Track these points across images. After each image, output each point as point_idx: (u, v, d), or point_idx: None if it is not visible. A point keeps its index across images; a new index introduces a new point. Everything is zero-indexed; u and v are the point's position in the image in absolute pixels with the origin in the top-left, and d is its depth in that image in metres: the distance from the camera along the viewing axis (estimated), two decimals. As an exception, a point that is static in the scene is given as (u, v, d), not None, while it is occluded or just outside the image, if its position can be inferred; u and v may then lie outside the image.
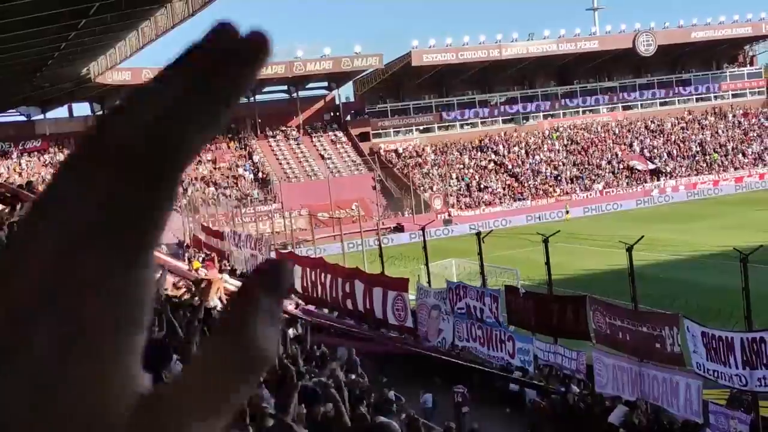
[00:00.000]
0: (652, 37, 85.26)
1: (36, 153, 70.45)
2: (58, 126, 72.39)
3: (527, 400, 23.11)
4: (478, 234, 30.15)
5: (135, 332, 0.44)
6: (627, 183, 78.36)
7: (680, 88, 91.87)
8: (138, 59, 56.61)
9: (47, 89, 53.57)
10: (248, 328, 0.46)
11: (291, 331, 20.87)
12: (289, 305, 30.90)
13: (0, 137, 69.19)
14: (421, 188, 73.78)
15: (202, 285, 19.92)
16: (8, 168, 66.66)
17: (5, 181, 48.07)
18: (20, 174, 63.90)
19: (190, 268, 32.80)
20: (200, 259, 37.61)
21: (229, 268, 39.95)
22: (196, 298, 15.57)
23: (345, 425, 6.83)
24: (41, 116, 71.84)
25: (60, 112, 73.20)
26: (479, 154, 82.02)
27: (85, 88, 60.17)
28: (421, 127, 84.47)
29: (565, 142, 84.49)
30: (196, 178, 72.23)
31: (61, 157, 70.43)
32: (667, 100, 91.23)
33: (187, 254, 43.96)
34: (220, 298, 21.30)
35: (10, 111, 69.00)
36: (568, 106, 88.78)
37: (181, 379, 0.45)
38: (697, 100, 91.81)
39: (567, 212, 68.51)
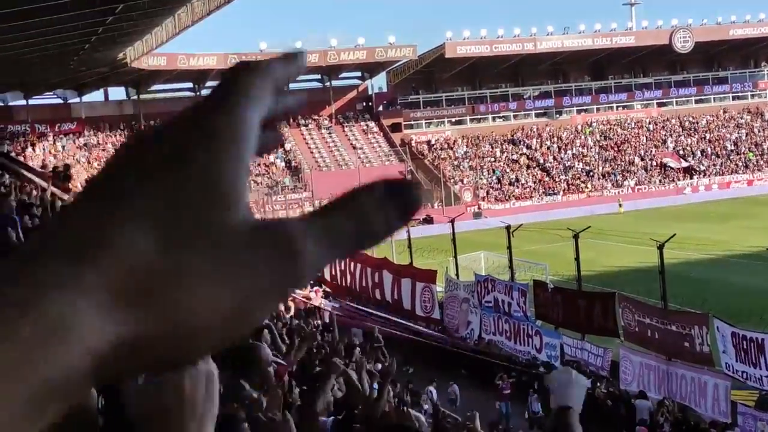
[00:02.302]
0: (690, 34, 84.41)
1: (71, 135, 71.13)
2: (93, 109, 73.09)
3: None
4: (508, 228, 30.11)
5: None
6: (659, 180, 77.74)
7: (716, 85, 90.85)
8: (174, 45, 57.08)
9: (84, 73, 54.06)
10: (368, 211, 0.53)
11: (317, 323, 21.01)
12: (316, 295, 31.05)
13: (36, 119, 69.92)
14: (452, 180, 73.65)
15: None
16: (44, 150, 67.37)
17: (42, 162, 48.59)
18: (55, 156, 64.60)
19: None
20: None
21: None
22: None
23: (375, 410, 6.88)
24: (77, 99, 72.47)
25: (96, 95, 73.93)
26: (511, 147, 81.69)
27: (120, 73, 60.66)
28: (453, 119, 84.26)
29: (598, 138, 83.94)
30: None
31: (95, 139, 71.20)
32: (702, 97, 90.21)
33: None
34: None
35: (46, 93, 69.74)
36: (601, 102, 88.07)
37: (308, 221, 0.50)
38: (733, 98, 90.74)
39: (620, 205, 68.53)
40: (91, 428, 2.80)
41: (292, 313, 20.42)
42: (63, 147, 69.34)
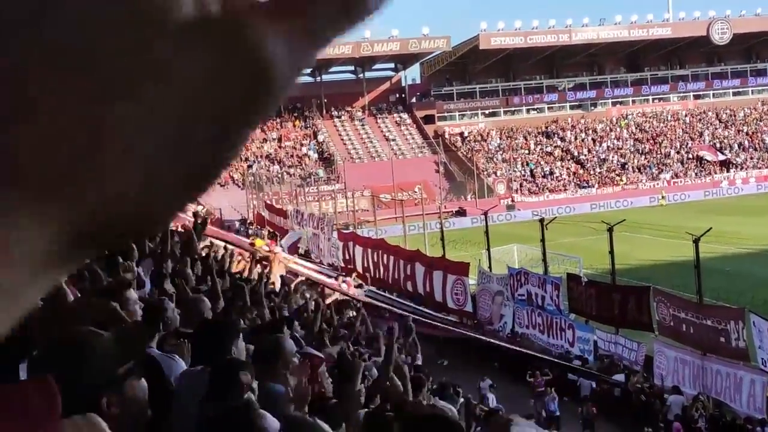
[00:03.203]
0: (728, 25, 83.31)
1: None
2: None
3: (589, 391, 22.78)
4: (542, 220, 29.95)
5: None
6: (695, 174, 76.93)
7: (755, 77, 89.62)
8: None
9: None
10: None
11: (350, 313, 20.95)
12: (348, 287, 31.08)
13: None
14: (485, 173, 73.40)
15: (265, 260, 20.18)
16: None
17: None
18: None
19: (252, 244, 33.12)
20: (264, 236, 37.93)
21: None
22: (261, 271, 15.71)
23: (404, 403, 6.84)
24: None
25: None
26: (545, 139, 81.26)
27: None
28: (486, 111, 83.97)
29: (633, 130, 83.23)
30: (261, 156, 72.95)
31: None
32: (740, 89, 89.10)
33: (250, 230, 44.47)
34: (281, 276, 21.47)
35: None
36: (637, 94, 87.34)
37: None
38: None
39: (663, 197, 68.21)
40: (140, 418, 2.82)
41: (327, 302, 20.27)
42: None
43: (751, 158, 79.33)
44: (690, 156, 79.59)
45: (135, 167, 0.36)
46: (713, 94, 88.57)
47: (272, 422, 3.66)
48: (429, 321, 27.90)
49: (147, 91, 0.36)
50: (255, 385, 4.48)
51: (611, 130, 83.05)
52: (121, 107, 0.35)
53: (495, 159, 77.36)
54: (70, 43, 0.34)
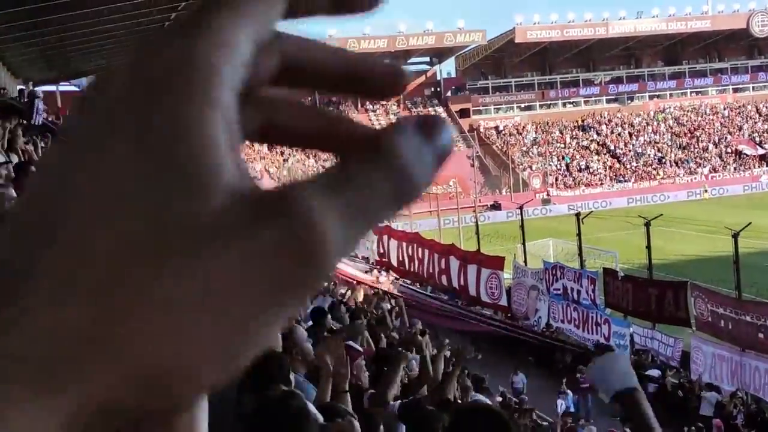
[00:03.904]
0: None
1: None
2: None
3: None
4: (578, 215, 29.82)
5: None
6: (734, 168, 76.02)
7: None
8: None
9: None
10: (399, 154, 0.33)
11: (386, 305, 20.95)
12: (383, 279, 31.12)
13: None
14: (520, 167, 73.12)
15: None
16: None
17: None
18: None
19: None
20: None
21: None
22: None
23: (442, 397, 6.86)
24: (150, 85, 73.83)
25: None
26: (581, 133, 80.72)
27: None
28: (522, 105, 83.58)
29: (671, 124, 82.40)
30: (296, 150, 73.17)
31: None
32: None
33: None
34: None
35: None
36: (675, 87, 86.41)
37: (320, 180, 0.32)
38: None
39: (706, 191, 67.83)
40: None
41: (360, 299, 20.14)
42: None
43: (792, 152, 78.23)
44: (729, 150, 78.65)
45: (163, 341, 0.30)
46: (753, 87, 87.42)
47: (315, 411, 3.69)
48: (463, 318, 27.88)
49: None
50: (292, 376, 4.52)
51: (648, 124, 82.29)
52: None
53: (530, 153, 77.02)
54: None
